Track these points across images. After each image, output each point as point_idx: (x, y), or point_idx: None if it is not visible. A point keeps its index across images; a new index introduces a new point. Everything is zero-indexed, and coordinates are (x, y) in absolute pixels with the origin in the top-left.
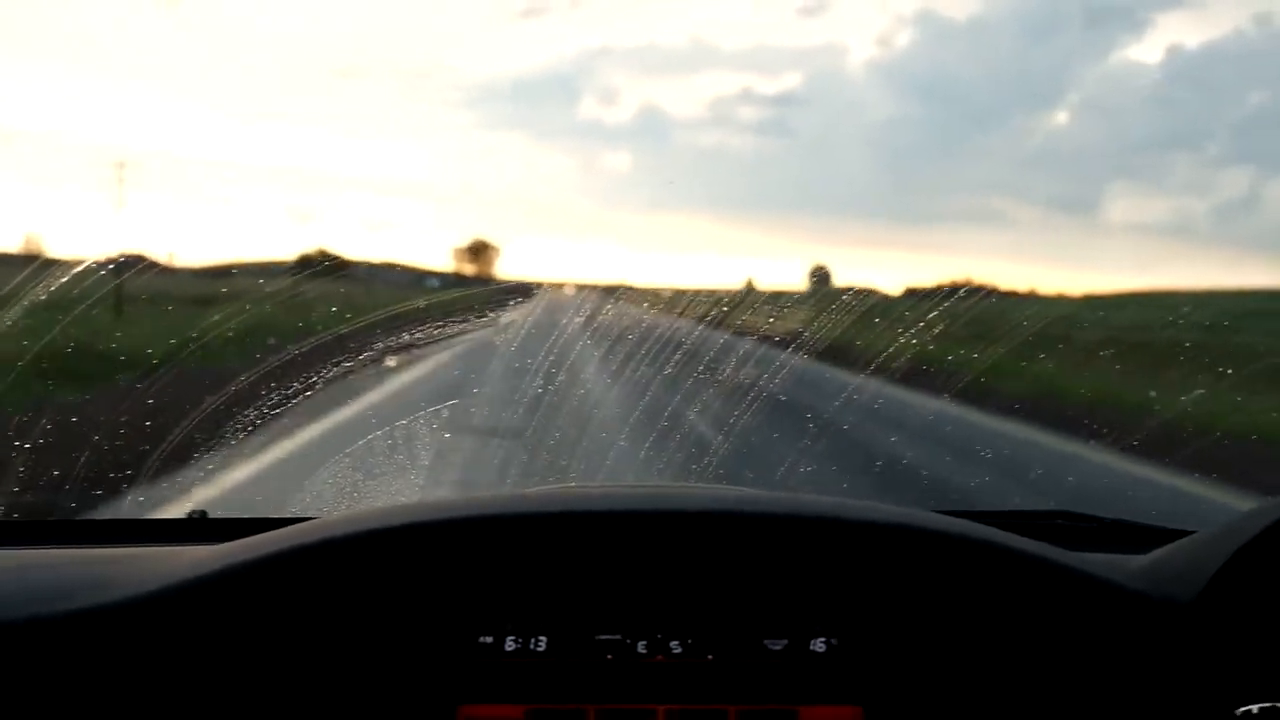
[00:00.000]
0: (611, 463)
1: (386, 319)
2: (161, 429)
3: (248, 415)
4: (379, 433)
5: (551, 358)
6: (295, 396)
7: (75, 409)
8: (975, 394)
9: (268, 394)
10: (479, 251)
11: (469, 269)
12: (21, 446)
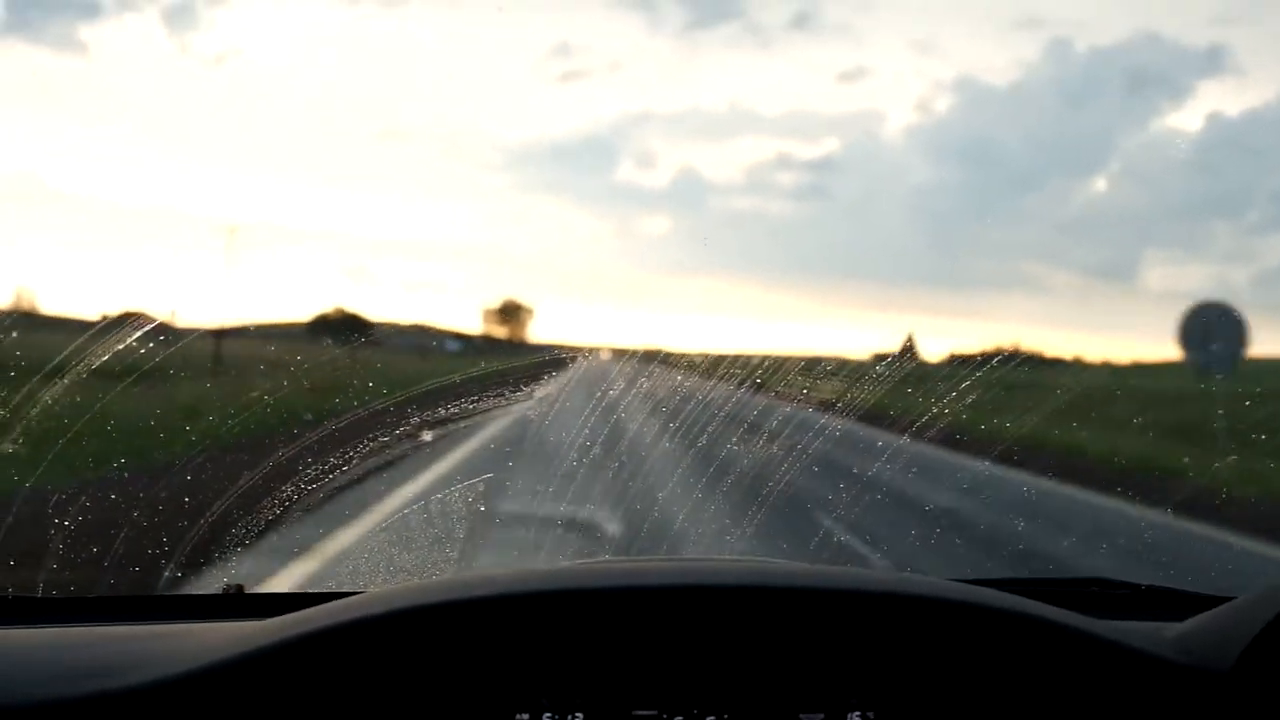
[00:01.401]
0: (645, 536)
1: (396, 403)
2: (200, 505)
3: (284, 491)
4: (414, 506)
5: (589, 436)
6: (331, 473)
7: (114, 485)
8: (1019, 457)
9: (304, 470)
10: (510, 313)
11: (499, 331)
12: (61, 524)
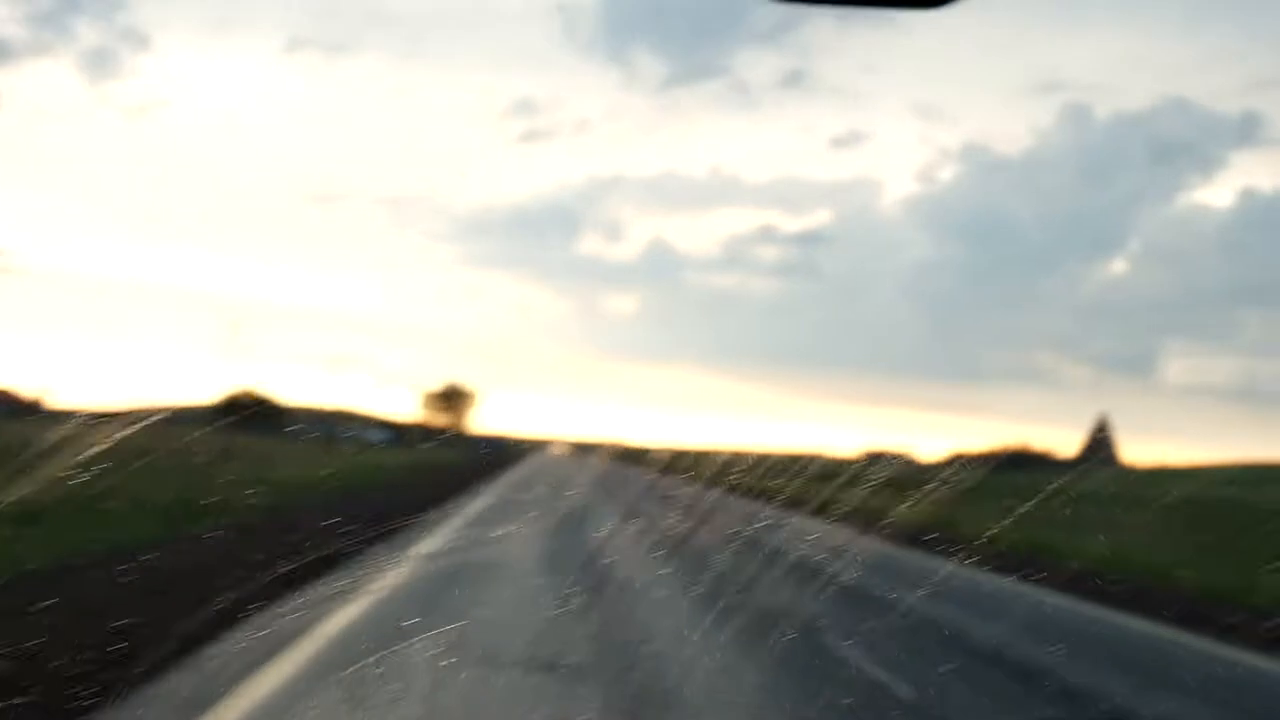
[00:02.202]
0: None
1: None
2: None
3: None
4: (369, 660)
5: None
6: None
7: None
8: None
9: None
10: (452, 398)
11: (439, 419)
12: None
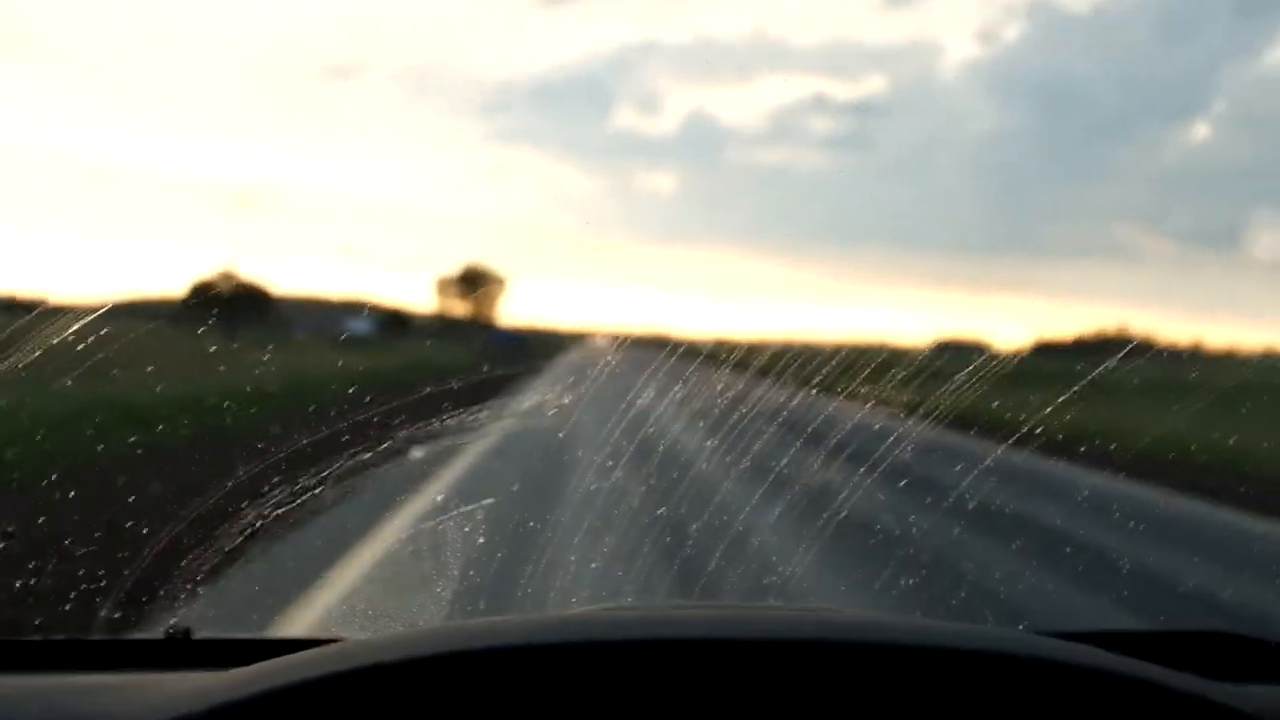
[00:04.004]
0: (678, 569)
1: None
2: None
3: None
4: (401, 539)
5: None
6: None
7: (40, 501)
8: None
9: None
10: (474, 283)
11: (459, 307)
12: None
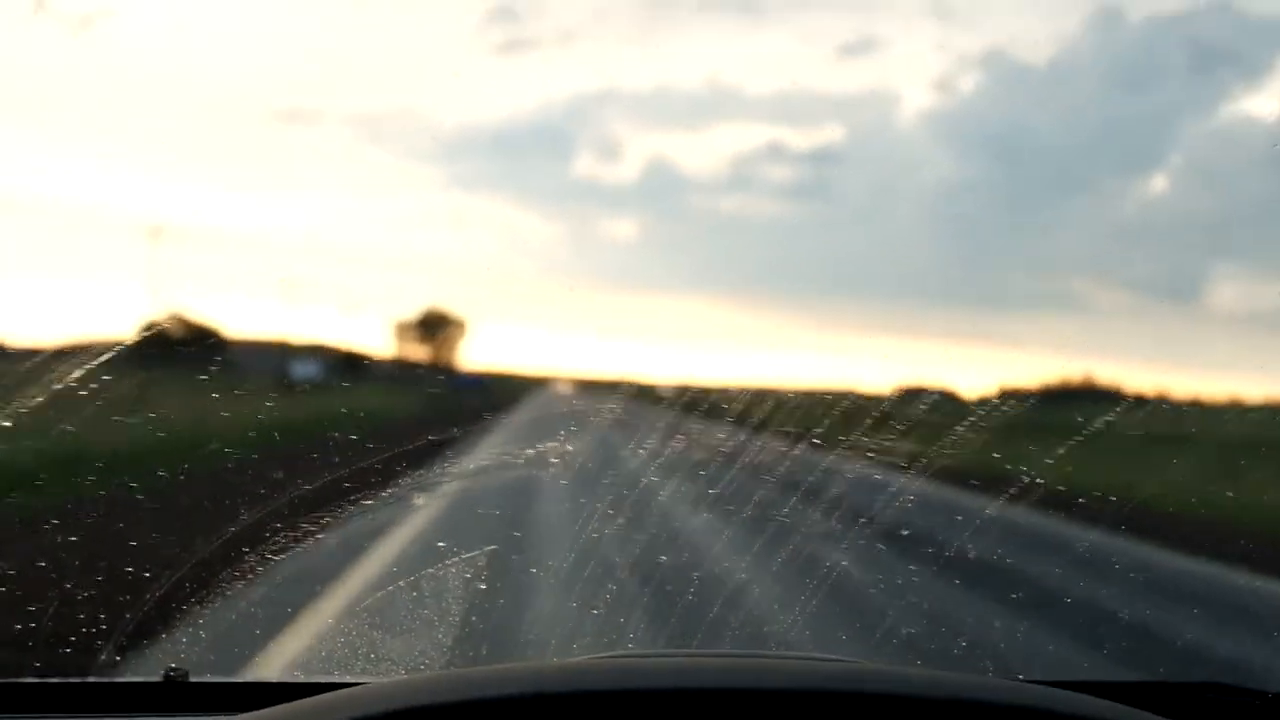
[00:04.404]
0: (676, 621)
1: None
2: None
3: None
4: (401, 583)
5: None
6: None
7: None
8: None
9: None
10: (433, 327)
11: (418, 351)
12: None
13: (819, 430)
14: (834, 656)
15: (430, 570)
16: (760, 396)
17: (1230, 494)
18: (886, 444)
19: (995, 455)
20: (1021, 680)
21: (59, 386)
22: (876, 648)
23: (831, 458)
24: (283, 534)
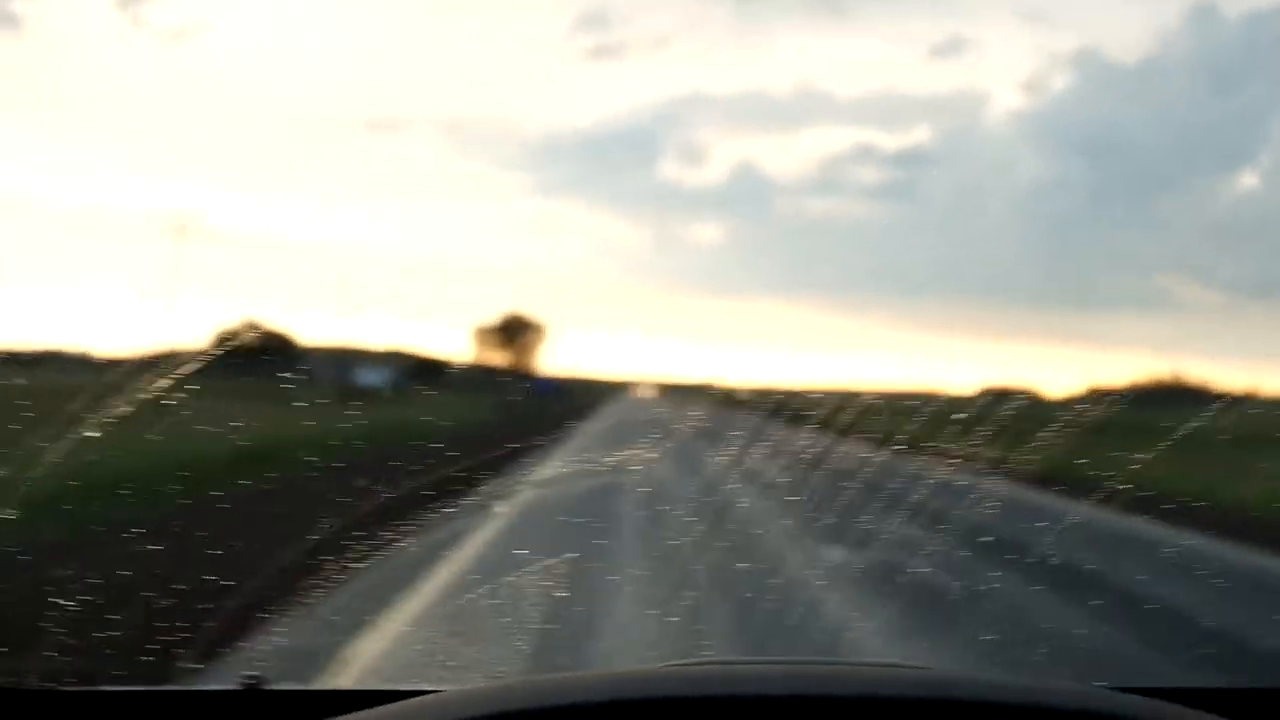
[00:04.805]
0: (752, 630)
1: None
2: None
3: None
4: (481, 590)
5: None
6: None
7: (119, 552)
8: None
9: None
10: (514, 332)
11: (498, 356)
12: (59, 603)
13: (902, 434)
14: (911, 663)
15: (510, 578)
16: (846, 400)
17: None
18: (972, 448)
19: (1082, 459)
20: (1100, 686)
21: (145, 396)
22: (958, 654)
23: (915, 462)
24: (364, 542)
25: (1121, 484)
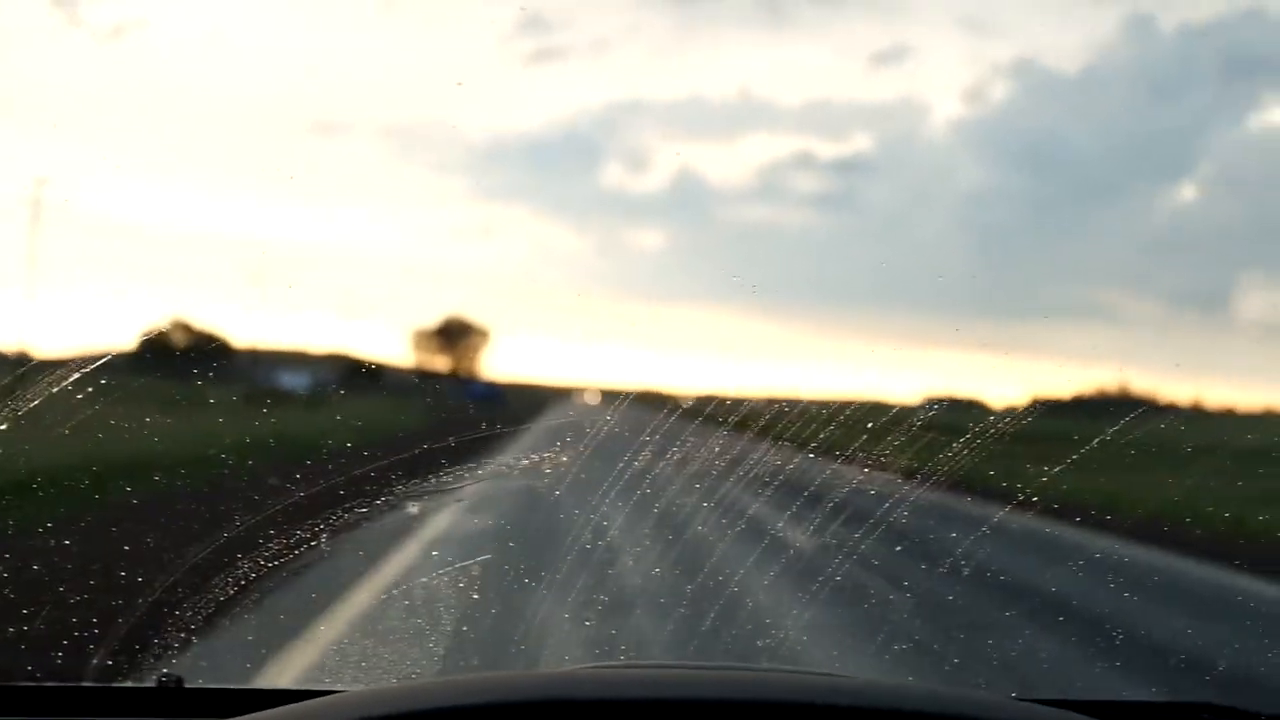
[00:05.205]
0: (669, 634)
1: None
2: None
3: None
4: (394, 592)
5: None
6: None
7: (33, 547)
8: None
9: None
10: (455, 336)
11: (438, 360)
12: None
13: (833, 440)
14: (823, 671)
15: (424, 579)
16: (786, 407)
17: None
18: (901, 455)
19: (1000, 468)
20: (1014, 698)
21: (54, 391)
22: (873, 660)
23: (838, 466)
24: (276, 540)
25: (1034, 494)
